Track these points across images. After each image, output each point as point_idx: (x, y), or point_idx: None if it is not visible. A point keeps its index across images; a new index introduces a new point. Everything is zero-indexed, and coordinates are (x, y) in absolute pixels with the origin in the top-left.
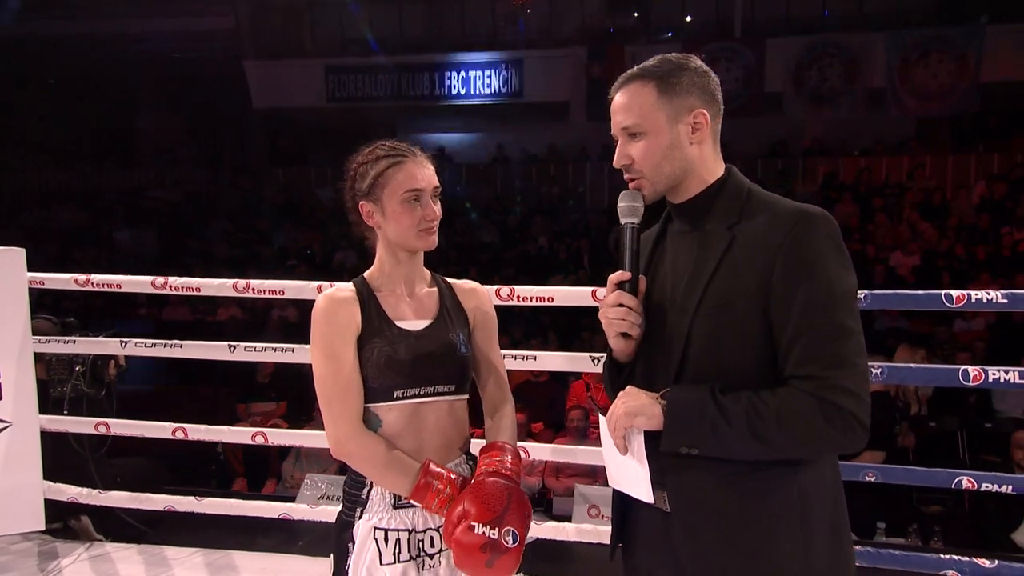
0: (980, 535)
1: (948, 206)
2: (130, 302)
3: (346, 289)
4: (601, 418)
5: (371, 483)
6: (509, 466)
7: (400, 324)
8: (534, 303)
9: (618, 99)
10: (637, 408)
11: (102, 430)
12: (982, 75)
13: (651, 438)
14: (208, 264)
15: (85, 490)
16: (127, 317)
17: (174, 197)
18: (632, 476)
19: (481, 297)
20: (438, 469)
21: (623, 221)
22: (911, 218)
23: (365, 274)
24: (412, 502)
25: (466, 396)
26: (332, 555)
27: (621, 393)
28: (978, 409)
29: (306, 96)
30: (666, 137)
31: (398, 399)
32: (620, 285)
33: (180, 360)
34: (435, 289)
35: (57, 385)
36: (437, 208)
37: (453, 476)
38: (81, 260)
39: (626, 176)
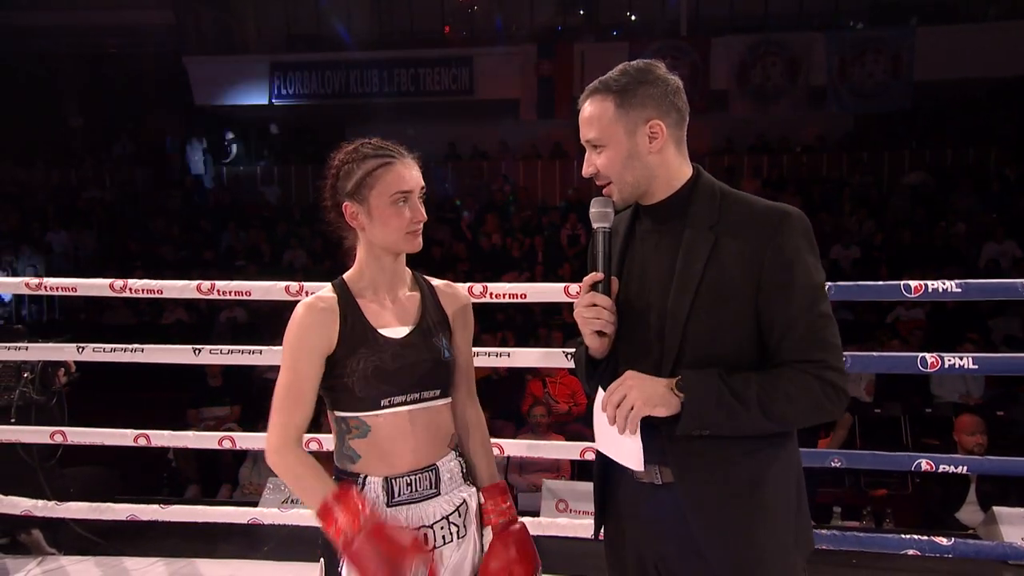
0: (926, 515)
1: (885, 201)
2: (66, 308)
3: (327, 298)
4: (599, 394)
5: (363, 480)
6: (514, 509)
7: (384, 332)
8: (507, 300)
9: (583, 112)
10: (656, 399)
11: (58, 439)
12: (914, 74)
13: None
14: (151, 266)
15: (40, 502)
16: (65, 322)
17: (111, 197)
18: (623, 447)
19: (462, 300)
20: (347, 495)
21: (595, 225)
22: (850, 212)
23: (345, 276)
24: (408, 498)
25: (450, 399)
26: (322, 558)
27: (629, 380)
28: (918, 395)
29: (250, 93)
30: (624, 148)
31: (385, 407)
32: (594, 286)
33: (114, 365)
34: (416, 293)
35: (3, 392)
36: (423, 209)
37: (362, 507)
38: (12, 263)
39: (597, 182)
